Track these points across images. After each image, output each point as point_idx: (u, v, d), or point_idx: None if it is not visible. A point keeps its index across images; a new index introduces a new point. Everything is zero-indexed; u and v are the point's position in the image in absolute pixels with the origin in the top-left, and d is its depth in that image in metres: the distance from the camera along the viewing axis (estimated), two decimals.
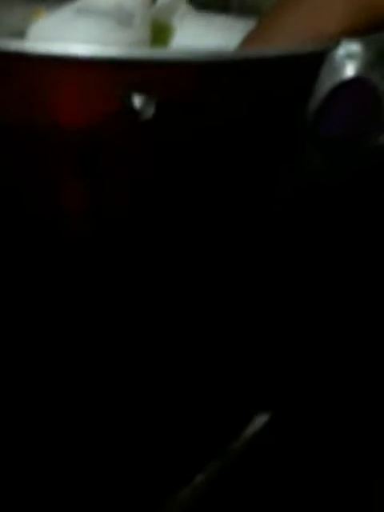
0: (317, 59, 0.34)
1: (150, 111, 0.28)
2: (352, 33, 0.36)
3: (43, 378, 0.32)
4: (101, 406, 0.31)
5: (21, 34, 0.44)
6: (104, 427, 0.31)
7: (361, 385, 0.39)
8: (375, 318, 0.42)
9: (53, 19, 0.43)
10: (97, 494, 0.29)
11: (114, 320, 0.34)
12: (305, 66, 0.33)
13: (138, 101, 0.28)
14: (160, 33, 0.45)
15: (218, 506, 0.31)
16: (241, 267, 0.39)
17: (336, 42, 0.34)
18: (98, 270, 0.32)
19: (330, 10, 0.34)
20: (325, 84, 0.55)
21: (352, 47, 0.65)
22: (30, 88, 0.28)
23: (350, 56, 0.65)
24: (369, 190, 0.44)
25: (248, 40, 0.36)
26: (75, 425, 0.31)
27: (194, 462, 0.31)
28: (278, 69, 0.30)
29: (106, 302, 0.33)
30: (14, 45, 0.27)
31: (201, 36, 0.45)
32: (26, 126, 0.29)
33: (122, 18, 0.40)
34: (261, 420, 0.34)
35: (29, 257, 0.31)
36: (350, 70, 0.64)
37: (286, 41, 0.33)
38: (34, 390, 0.32)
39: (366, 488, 0.37)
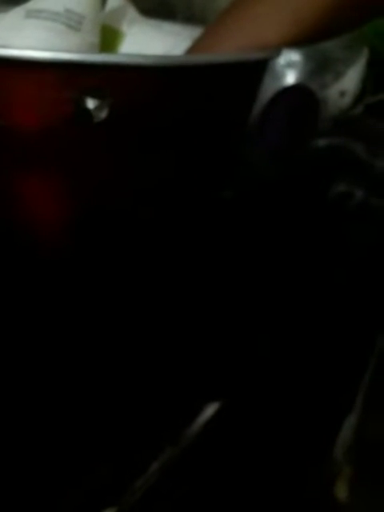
0: (260, 66, 0.36)
1: (103, 113, 0.29)
2: (292, 43, 0.38)
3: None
4: (56, 394, 0.32)
5: None
6: (59, 416, 0.31)
7: (307, 374, 0.41)
8: (315, 308, 0.44)
9: (0, 22, 0.43)
10: (53, 487, 0.30)
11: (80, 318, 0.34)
12: (250, 71, 0.35)
13: (91, 103, 0.29)
14: (109, 38, 0.46)
15: (172, 493, 0.33)
16: (192, 261, 0.40)
17: (277, 51, 0.36)
18: (74, 276, 0.33)
19: (270, 20, 0.36)
20: (267, 90, 0.58)
21: (292, 57, 0.69)
22: None
23: (290, 65, 0.68)
24: (305, 186, 0.47)
25: (194, 47, 0.38)
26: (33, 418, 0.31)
27: (148, 451, 0.32)
28: (225, 73, 0.32)
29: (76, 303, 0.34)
30: None
31: (149, 42, 0.46)
32: None
33: (72, 22, 0.40)
34: (212, 408, 0.35)
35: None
36: (290, 78, 0.67)
37: (229, 48, 0.35)
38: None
39: (311, 473, 0.39)
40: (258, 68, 0.36)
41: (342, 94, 0.67)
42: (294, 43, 0.37)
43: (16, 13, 0.42)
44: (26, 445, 0.30)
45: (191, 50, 0.38)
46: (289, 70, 0.66)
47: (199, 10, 0.74)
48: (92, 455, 0.31)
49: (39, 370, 0.33)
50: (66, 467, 0.30)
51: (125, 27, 0.47)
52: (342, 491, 0.39)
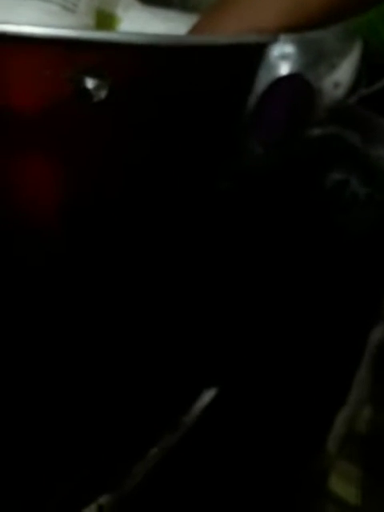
0: (258, 50, 0.36)
1: (103, 93, 0.28)
2: (290, 29, 0.37)
3: None
4: (53, 382, 0.32)
5: None
6: (59, 405, 0.31)
7: (301, 367, 0.41)
8: (312, 299, 0.44)
9: None
10: (52, 474, 0.30)
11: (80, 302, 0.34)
12: (247, 55, 0.34)
13: (90, 83, 0.28)
14: (105, 22, 0.46)
15: (171, 478, 0.32)
16: (188, 250, 0.40)
17: (275, 36, 0.36)
18: (70, 261, 0.32)
19: (267, 6, 0.36)
20: (262, 80, 0.58)
21: (286, 49, 0.68)
22: None
23: (284, 56, 0.68)
24: (301, 175, 0.47)
25: (192, 31, 0.37)
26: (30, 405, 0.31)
27: (148, 437, 0.32)
28: (223, 56, 0.32)
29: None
30: None
31: (145, 27, 0.46)
32: None
33: (68, 3, 0.40)
34: (209, 395, 0.35)
35: None
36: (284, 70, 0.67)
37: (227, 32, 0.35)
38: None
39: (304, 466, 0.39)
40: (256, 52, 0.36)
41: (336, 85, 0.67)
42: (292, 29, 0.37)
43: None
44: (22, 432, 0.30)
45: (189, 33, 0.37)
46: (283, 61, 0.66)
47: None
48: (91, 442, 0.31)
49: (36, 360, 0.33)
50: (65, 454, 0.30)
51: (120, 12, 0.47)
52: (334, 484, 0.39)
